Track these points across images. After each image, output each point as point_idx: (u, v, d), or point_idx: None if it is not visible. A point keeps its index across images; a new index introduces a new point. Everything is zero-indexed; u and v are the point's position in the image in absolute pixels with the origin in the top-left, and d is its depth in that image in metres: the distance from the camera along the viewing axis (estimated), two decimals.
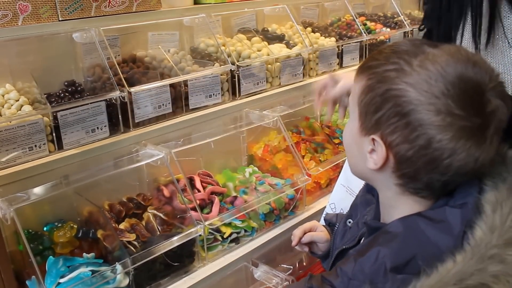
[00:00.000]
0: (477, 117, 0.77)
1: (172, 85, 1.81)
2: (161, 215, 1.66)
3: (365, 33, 2.61)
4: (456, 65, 0.79)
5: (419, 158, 0.80)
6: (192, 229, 1.57)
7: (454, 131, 0.77)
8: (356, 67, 2.44)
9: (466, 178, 0.83)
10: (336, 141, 2.07)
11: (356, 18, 2.72)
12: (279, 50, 2.13)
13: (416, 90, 0.78)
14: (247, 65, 1.98)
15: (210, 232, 1.62)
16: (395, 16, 3.03)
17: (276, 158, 1.91)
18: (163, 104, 1.79)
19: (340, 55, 2.43)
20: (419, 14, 3.37)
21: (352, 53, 2.49)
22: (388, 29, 2.81)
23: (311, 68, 2.28)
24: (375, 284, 0.76)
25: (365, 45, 2.57)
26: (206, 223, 1.59)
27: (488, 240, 0.74)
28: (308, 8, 2.66)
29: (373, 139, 0.84)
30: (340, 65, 2.44)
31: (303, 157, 1.94)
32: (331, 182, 1.95)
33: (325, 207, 1.63)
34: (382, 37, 2.72)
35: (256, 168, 1.95)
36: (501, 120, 0.80)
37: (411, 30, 2.91)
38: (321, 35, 2.45)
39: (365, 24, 2.75)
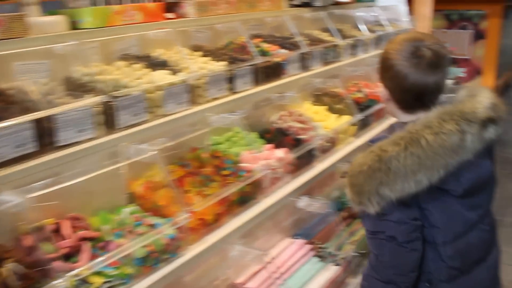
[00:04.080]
0: (416, 58, 1.47)
1: (37, 121, 1.64)
2: (21, 268, 1.47)
3: (259, 55, 2.55)
4: (404, 38, 1.55)
5: (395, 86, 1.54)
6: (55, 282, 1.40)
7: (403, 65, 1.47)
8: (250, 92, 2.32)
9: (429, 96, 1.51)
10: (225, 172, 1.96)
11: (251, 40, 2.65)
12: (162, 77, 2.01)
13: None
14: (125, 95, 1.84)
15: (76, 284, 1.45)
16: (293, 36, 2.99)
17: (158, 195, 1.78)
18: (24, 143, 1.61)
19: (231, 80, 2.33)
20: (318, 34, 3.37)
21: (245, 77, 2.41)
22: (285, 51, 2.77)
23: (200, 95, 2.17)
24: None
25: (259, 68, 2.50)
26: (71, 273, 1.43)
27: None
28: (199, 31, 2.57)
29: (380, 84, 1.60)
30: (232, 90, 2.35)
31: (187, 192, 1.82)
32: (219, 218, 1.83)
33: None
34: (277, 59, 2.67)
35: (137, 207, 1.80)
36: (430, 57, 1.47)
37: (309, 51, 2.88)
38: (212, 59, 2.35)
39: (259, 46, 2.68)
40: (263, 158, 2.13)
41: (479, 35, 6.50)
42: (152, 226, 1.68)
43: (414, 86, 1.46)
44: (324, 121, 2.74)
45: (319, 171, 2.40)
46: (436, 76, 1.48)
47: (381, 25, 4.02)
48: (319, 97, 2.94)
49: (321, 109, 2.83)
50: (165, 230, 1.64)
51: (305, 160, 2.37)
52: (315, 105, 2.88)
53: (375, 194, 1.40)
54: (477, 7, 6.50)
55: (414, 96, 1.49)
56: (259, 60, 2.49)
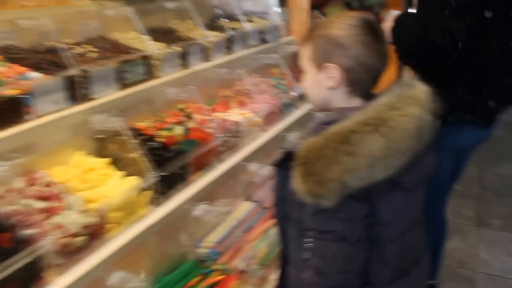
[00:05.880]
0: (372, 35, 1.39)
1: None
2: None
3: None
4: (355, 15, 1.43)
5: (356, 65, 1.39)
6: None
7: (366, 42, 1.38)
8: None
9: (380, 77, 1.44)
10: None
11: None
12: None
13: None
14: None
15: None
16: (74, 47, 1.97)
17: None
18: None
19: None
20: (129, 39, 2.35)
21: None
22: (38, 75, 1.73)
23: None
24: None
25: None
26: None
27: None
28: None
29: (326, 67, 1.41)
30: None
31: None
32: None
33: None
34: (13, 92, 1.62)
35: None
36: (384, 35, 1.44)
37: (84, 73, 1.85)
38: None
39: None
40: None
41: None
42: None
43: (376, 63, 1.41)
44: (99, 187, 1.74)
45: None
46: (388, 56, 1.45)
47: (237, 20, 3.05)
48: (102, 144, 1.92)
49: (101, 164, 1.82)
50: None
51: (26, 277, 1.36)
52: (95, 157, 1.87)
53: (338, 183, 1.24)
54: None
55: (372, 76, 1.43)
56: None
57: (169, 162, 1.89)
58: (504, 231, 3.97)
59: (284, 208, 1.46)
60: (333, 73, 1.42)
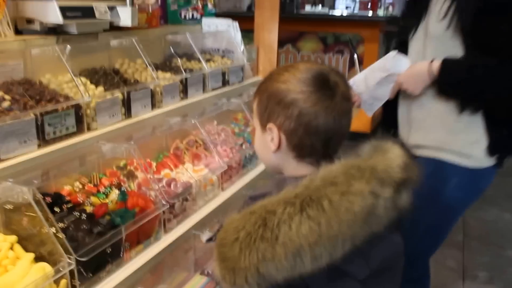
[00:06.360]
0: (324, 90, 1.17)
1: None
2: None
3: None
4: (306, 66, 1.22)
5: (299, 127, 1.17)
6: None
7: (312, 100, 1.16)
8: None
9: (336, 141, 1.21)
10: None
11: None
12: None
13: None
14: None
15: None
16: None
17: None
18: None
19: None
20: (64, 82, 1.99)
21: None
22: None
23: None
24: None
25: None
26: None
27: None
28: None
29: (269, 128, 1.21)
30: None
31: None
32: None
33: None
34: None
35: None
36: (343, 90, 1.19)
37: None
38: None
39: None
40: None
41: (357, 60, 5.68)
42: None
43: (326, 125, 1.17)
44: None
45: None
46: (349, 116, 1.21)
47: (196, 59, 2.72)
48: (10, 217, 1.54)
49: (5, 245, 1.44)
50: None
51: None
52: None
53: (255, 273, 1.00)
54: (353, 30, 5.71)
55: (321, 141, 1.19)
56: None
57: (96, 240, 1.52)
58: (490, 284, 3.71)
59: None
60: (274, 135, 1.22)
